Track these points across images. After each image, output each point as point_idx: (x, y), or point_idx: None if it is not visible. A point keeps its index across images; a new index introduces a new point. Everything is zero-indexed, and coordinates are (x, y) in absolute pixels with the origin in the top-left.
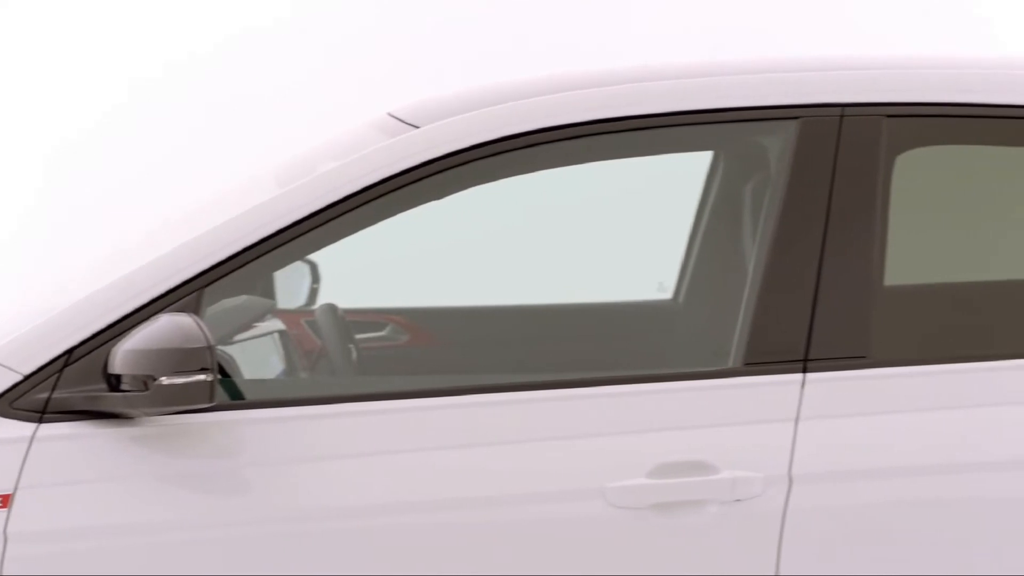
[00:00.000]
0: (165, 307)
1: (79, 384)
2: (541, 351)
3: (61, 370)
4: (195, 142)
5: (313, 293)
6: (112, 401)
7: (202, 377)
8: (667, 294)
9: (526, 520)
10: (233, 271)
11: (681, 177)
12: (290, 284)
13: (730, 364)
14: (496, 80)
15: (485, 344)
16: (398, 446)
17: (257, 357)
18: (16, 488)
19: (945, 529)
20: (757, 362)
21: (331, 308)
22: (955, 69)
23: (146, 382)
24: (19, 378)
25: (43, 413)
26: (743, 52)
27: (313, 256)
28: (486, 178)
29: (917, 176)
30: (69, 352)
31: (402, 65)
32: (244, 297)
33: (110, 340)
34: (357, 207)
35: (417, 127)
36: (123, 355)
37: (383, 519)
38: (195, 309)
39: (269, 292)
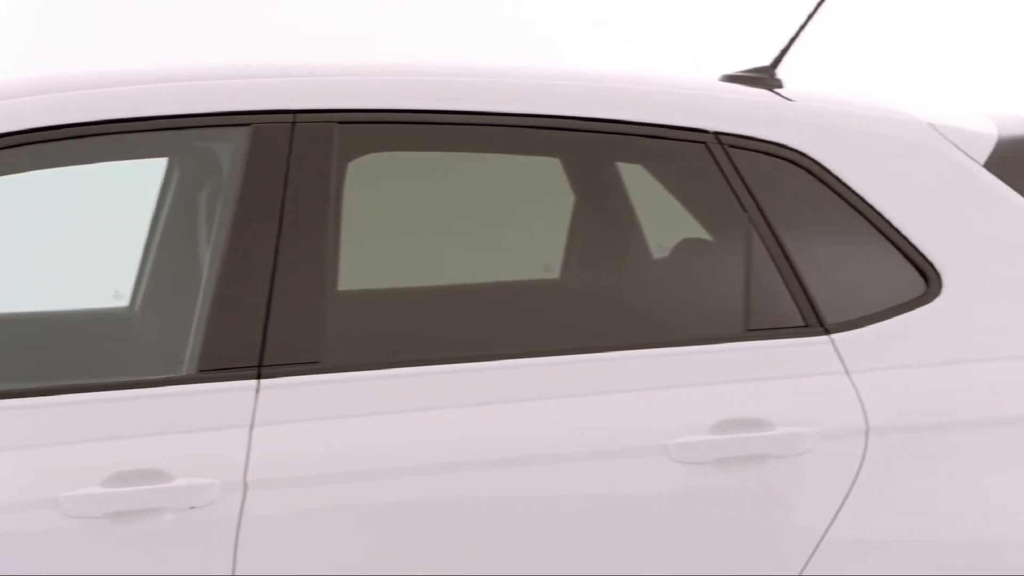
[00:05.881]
0: None
1: None
2: None
3: None
4: None
5: None
6: None
7: None
8: (123, 302)
9: None
10: None
11: (138, 184)
12: None
13: (185, 371)
14: None
15: None
16: None
17: None
18: None
19: (404, 531)
20: (211, 369)
21: None
22: (402, 76)
23: None
24: None
25: None
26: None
27: None
28: None
29: (369, 182)
30: None
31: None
32: None
33: None
34: None
35: None
36: None
37: None
38: None
39: None
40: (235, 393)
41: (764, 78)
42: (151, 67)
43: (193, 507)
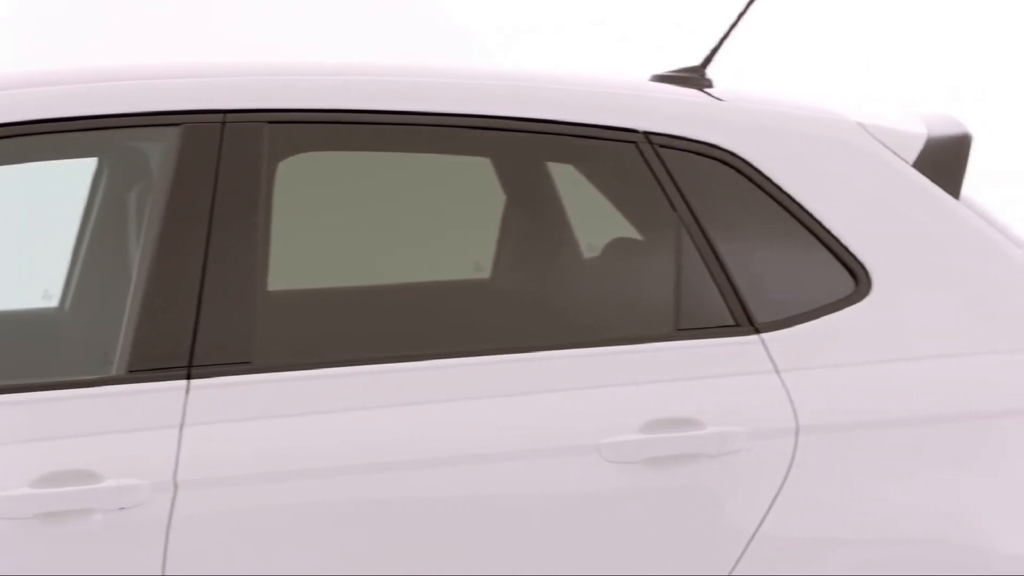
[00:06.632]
0: None
1: None
2: None
3: None
4: None
5: None
6: None
7: None
8: (53, 302)
9: None
10: None
11: (68, 184)
12: None
13: (114, 372)
14: None
15: None
16: None
17: None
18: None
19: (335, 531)
20: (141, 369)
21: None
22: (332, 76)
23: None
24: None
25: None
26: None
27: None
28: None
29: (300, 182)
30: None
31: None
32: None
33: None
34: None
35: None
36: None
37: None
38: None
39: None
40: (165, 393)
41: (694, 78)
42: (81, 67)
43: (123, 508)
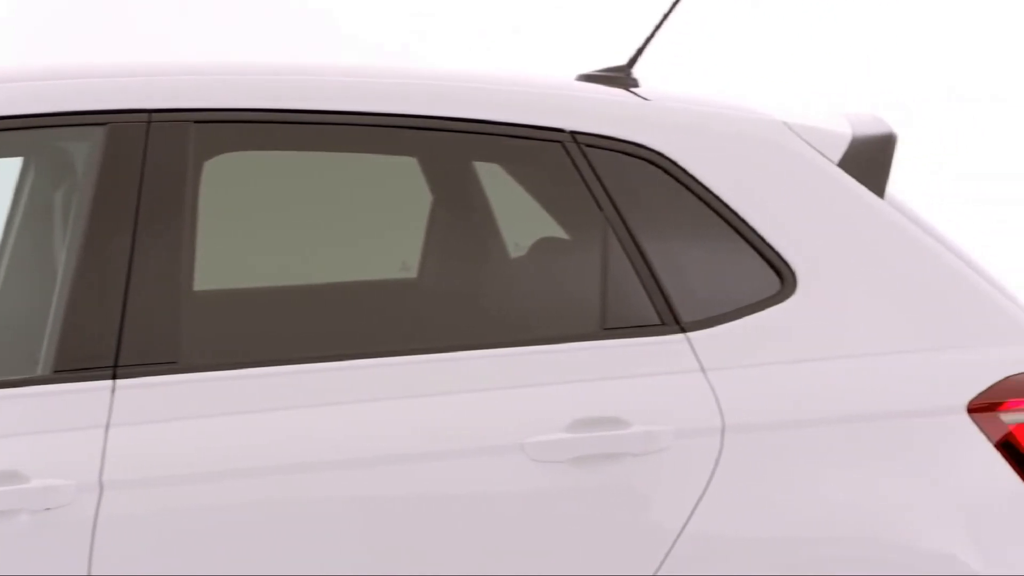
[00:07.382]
0: None
1: None
2: None
3: None
4: None
5: None
6: None
7: None
8: None
9: None
10: None
11: None
12: None
13: (40, 372)
14: None
15: None
16: None
17: None
18: None
19: (260, 531)
20: (67, 369)
21: None
22: (259, 76)
23: None
24: None
25: None
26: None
27: None
28: None
29: (226, 181)
30: None
31: None
32: None
33: None
34: None
35: None
36: None
37: None
38: None
39: None
40: (91, 393)
41: (620, 77)
42: (5, 66)
43: (49, 508)
